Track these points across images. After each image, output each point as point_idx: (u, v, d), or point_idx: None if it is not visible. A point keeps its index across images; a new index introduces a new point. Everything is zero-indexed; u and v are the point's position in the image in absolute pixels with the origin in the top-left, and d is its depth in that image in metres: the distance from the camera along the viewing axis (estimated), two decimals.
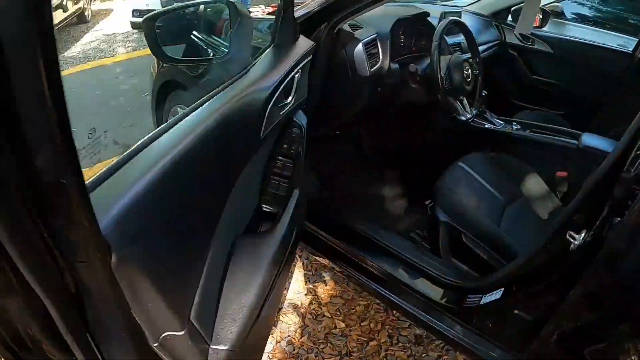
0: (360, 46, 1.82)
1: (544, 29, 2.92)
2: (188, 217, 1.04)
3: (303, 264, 2.37)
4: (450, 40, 2.38)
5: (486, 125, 2.29)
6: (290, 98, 1.47)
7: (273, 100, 1.34)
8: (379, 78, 1.94)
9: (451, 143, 2.36)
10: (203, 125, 1.07)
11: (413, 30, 2.20)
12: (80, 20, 8.08)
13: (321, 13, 1.66)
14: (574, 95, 2.88)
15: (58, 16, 7.07)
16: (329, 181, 2.19)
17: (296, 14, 1.67)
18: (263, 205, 1.54)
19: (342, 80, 1.84)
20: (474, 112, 2.19)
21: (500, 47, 2.98)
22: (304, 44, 1.56)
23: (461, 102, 2.16)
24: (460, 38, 2.42)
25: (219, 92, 1.22)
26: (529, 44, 2.95)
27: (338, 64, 1.81)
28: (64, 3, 7.37)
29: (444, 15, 2.42)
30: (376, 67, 1.91)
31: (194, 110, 1.13)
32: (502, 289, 1.52)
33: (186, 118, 1.09)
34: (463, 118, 2.12)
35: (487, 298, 1.55)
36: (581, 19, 3.67)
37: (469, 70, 2.14)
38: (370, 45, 1.89)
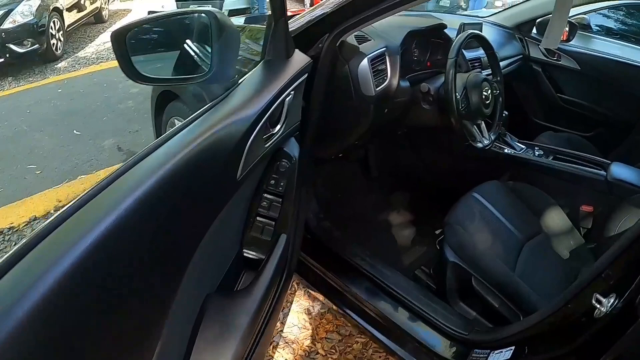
0: (365, 62, 1.63)
1: (571, 43, 2.70)
2: (129, 300, 0.83)
3: (300, 293, 2.19)
4: (469, 54, 2.18)
5: (506, 150, 2.10)
6: (278, 127, 1.27)
7: (255, 132, 1.14)
8: (386, 98, 1.74)
9: (467, 168, 2.17)
10: (156, 175, 0.86)
11: (428, 44, 2.02)
12: (98, 20, 8.06)
13: (321, 24, 1.47)
14: (601, 116, 2.67)
15: (74, 15, 7.03)
16: (329, 207, 2.01)
17: (293, 26, 1.51)
18: (244, 251, 1.33)
19: (344, 100, 1.65)
20: (492, 137, 1.98)
21: (524, 62, 2.77)
22: (298, 60, 1.37)
23: (478, 127, 1.95)
24: (481, 52, 2.22)
25: (188, 126, 1.03)
26: (555, 59, 2.74)
27: (340, 81, 1.62)
28: (82, 2, 7.33)
29: (462, 27, 2.23)
30: (383, 85, 1.71)
31: (150, 153, 0.92)
32: (513, 347, 1.33)
33: (136, 166, 0.88)
34: (480, 145, 1.91)
35: (496, 356, 1.36)
36: (608, 32, 3.43)
37: (489, 91, 1.92)
38: (377, 61, 1.69)
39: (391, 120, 1.91)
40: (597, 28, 3.33)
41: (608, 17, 3.57)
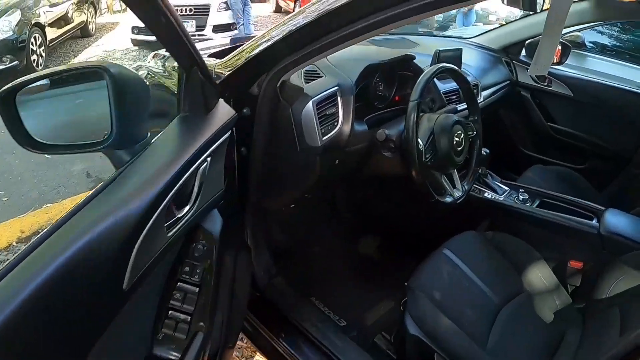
0: (309, 106, 1.36)
1: (563, 66, 2.48)
2: None
3: (252, 349, 1.97)
4: (443, 86, 1.94)
5: (486, 194, 1.87)
6: (187, 207, 1.02)
7: (149, 226, 0.89)
8: (336, 147, 1.48)
9: (441, 215, 1.93)
10: (22, 294, 0.68)
11: (393, 76, 1.77)
12: (84, 33, 7.90)
13: (258, 61, 1.25)
14: (595, 147, 2.48)
15: (58, 30, 6.87)
16: (285, 257, 1.78)
17: (225, 65, 1.29)
18: (155, 352, 1.08)
19: (287, 150, 1.41)
20: (466, 187, 1.73)
21: (511, 88, 2.55)
22: (222, 114, 1.14)
23: (449, 177, 1.69)
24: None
25: (66, 222, 0.80)
26: (545, 85, 2.53)
27: (282, 128, 1.38)
28: (68, 15, 7.18)
29: (437, 55, 1.99)
30: (333, 132, 1.44)
31: (22, 259, 0.73)
32: None
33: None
34: (448, 199, 1.64)
35: None
36: (603, 49, 3.23)
37: (462, 136, 1.62)
38: (326, 104, 1.43)
39: (346, 172, 1.67)
40: (592, 45, 3.14)
41: (603, 33, 3.37)
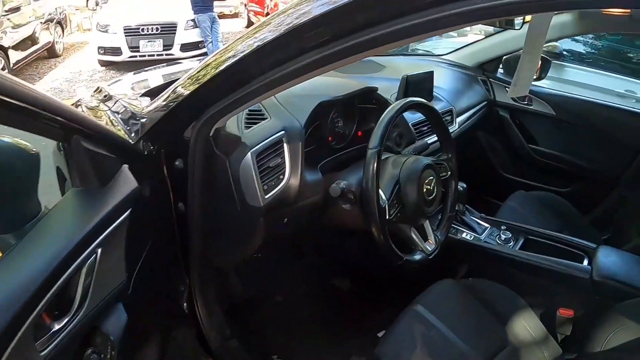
0: (248, 158, 1.15)
1: (544, 81, 2.32)
2: None
3: None
4: (413, 117, 1.74)
5: (464, 235, 1.69)
6: (68, 318, 0.81)
7: (13, 345, 0.68)
8: (283, 205, 1.26)
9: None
10: None
11: (354, 110, 1.56)
12: (51, 54, 7.60)
13: (185, 108, 1.06)
14: (580, 169, 2.32)
15: (23, 53, 6.59)
16: (243, 314, 1.59)
17: (154, 109, 1.10)
18: None
19: (227, 208, 1.20)
20: (440, 237, 1.49)
21: (489, 109, 2.38)
22: (121, 188, 0.94)
23: (419, 229, 1.44)
24: None
25: None
26: (525, 104, 2.37)
27: (219, 184, 1.18)
28: (36, 35, 6.91)
29: (406, 81, 1.81)
30: (278, 188, 1.22)
31: None
32: None
33: None
34: (418, 257, 1.39)
35: None
36: (581, 57, 3.11)
37: (433, 183, 1.37)
38: (269, 153, 1.22)
39: (299, 229, 1.46)
40: (569, 54, 3.02)
41: (577, 41, 3.26)
